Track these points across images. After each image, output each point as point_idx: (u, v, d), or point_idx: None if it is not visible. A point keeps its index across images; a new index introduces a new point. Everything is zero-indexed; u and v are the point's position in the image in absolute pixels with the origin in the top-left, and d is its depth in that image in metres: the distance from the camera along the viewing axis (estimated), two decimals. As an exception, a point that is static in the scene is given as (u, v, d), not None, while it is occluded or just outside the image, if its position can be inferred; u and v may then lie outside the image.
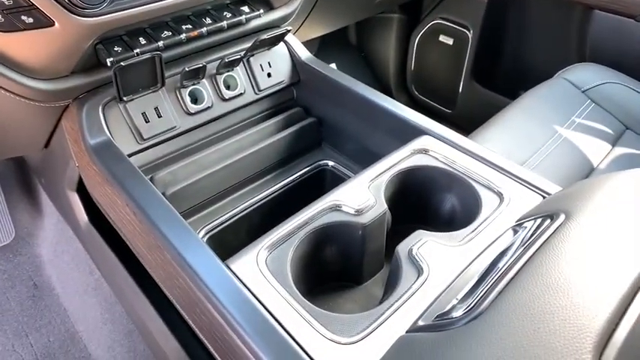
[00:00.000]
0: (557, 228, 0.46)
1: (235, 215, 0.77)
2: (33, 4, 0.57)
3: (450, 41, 1.55)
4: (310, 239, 0.58)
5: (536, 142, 0.98)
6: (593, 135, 1.03)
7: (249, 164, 0.80)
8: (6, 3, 0.56)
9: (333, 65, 1.73)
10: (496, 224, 0.57)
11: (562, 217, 0.48)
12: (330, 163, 0.86)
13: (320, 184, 0.87)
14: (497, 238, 0.55)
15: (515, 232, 0.53)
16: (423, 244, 0.55)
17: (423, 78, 1.73)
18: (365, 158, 0.82)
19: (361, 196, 0.61)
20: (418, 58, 1.70)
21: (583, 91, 1.11)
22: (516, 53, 1.51)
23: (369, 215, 0.59)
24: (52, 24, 0.59)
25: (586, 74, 1.15)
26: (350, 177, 0.83)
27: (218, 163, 0.77)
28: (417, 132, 0.72)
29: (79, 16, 0.60)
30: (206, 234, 0.74)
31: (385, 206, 0.61)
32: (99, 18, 0.62)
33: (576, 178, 0.94)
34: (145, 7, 0.65)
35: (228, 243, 0.76)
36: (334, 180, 0.86)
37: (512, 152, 0.95)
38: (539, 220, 0.51)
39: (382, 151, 0.72)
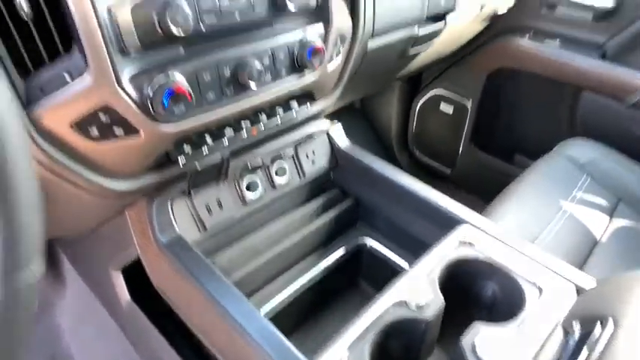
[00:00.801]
0: (610, 338, 0.53)
1: (288, 297, 0.81)
2: (125, 119, 0.62)
3: (450, 109, 1.67)
4: (381, 334, 0.63)
5: (545, 218, 1.07)
6: (593, 208, 1.13)
7: (295, 247, 0.86)
8: (103, 120, 0.60)
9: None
10: (541, 317, 0.64)
11: (610, 322, 0.55)
12: (368, 242, 0.92)
13: (358, 261, 0.93)
14: (549, 335, 0.62)
15: (566, 332, 0.60)
16: (482, 337, 0.61)
17: (424, 141, 1.84)
18: (400, 239, 0.89)
19: (420, 290, 0.67)
20: (419, 122, 1.80)
21: (580, 166, 1.23)
22: (512, 124, 1.63)
23: (431, 310, 0.65)
24: (137, 132, 0.64)
25: (581, 150, 1.26)
26: (386, 255, 0.90)
27: (268, 247, 0.82)
28: (450, 220, 0.79)
29: (161, 122, 0.65)
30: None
31: (442, 300, 0.67)
32: (178, 123, 0.67)
33: (583, 253, 1.03)
34: (217, 111, 0.71)
35: (281, 323, 0.80)
36: (371, 259, 0.91)
37: (525, 228, 1.04)
38: (586, 324, 0.58)
39: (416, 233, 0.81)
